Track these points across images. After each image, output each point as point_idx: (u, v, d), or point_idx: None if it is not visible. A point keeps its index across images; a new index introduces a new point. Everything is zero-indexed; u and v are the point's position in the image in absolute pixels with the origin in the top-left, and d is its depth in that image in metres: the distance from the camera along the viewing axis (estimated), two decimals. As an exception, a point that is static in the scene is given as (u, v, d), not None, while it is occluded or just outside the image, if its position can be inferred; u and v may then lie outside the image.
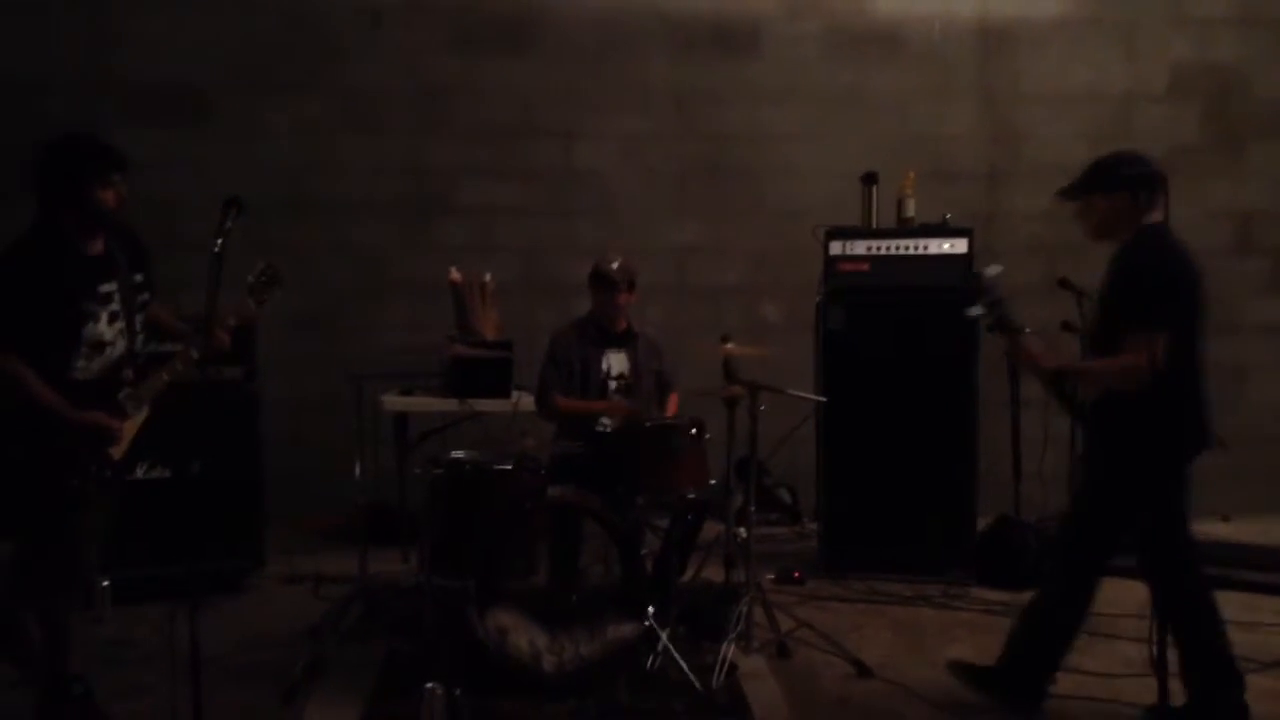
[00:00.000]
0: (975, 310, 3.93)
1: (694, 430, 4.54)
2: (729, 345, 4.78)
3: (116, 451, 3.72)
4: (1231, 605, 5.23)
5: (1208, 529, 6.63)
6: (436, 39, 7.24)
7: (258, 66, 7.12)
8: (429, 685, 3.72)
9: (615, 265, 4.99)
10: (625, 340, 5.05)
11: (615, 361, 5.02)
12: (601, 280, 4.99)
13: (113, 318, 3.70)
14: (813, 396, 5.41)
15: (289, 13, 7.12)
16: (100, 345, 3.66)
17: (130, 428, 3.77)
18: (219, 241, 3.20)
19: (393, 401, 5.68)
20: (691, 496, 4.50)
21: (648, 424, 4.54)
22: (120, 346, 3.73)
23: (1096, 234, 3.97)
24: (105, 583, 4.95)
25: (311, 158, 7.15)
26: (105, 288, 3.68)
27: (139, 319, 3.81)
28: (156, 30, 7.03)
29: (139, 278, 3.83)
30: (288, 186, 6.98)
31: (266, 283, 4.00)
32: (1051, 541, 5.86)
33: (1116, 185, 3.87)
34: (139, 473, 5.15)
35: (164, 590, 4.82)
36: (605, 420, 4.73)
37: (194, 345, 3.79)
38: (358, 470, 5.00)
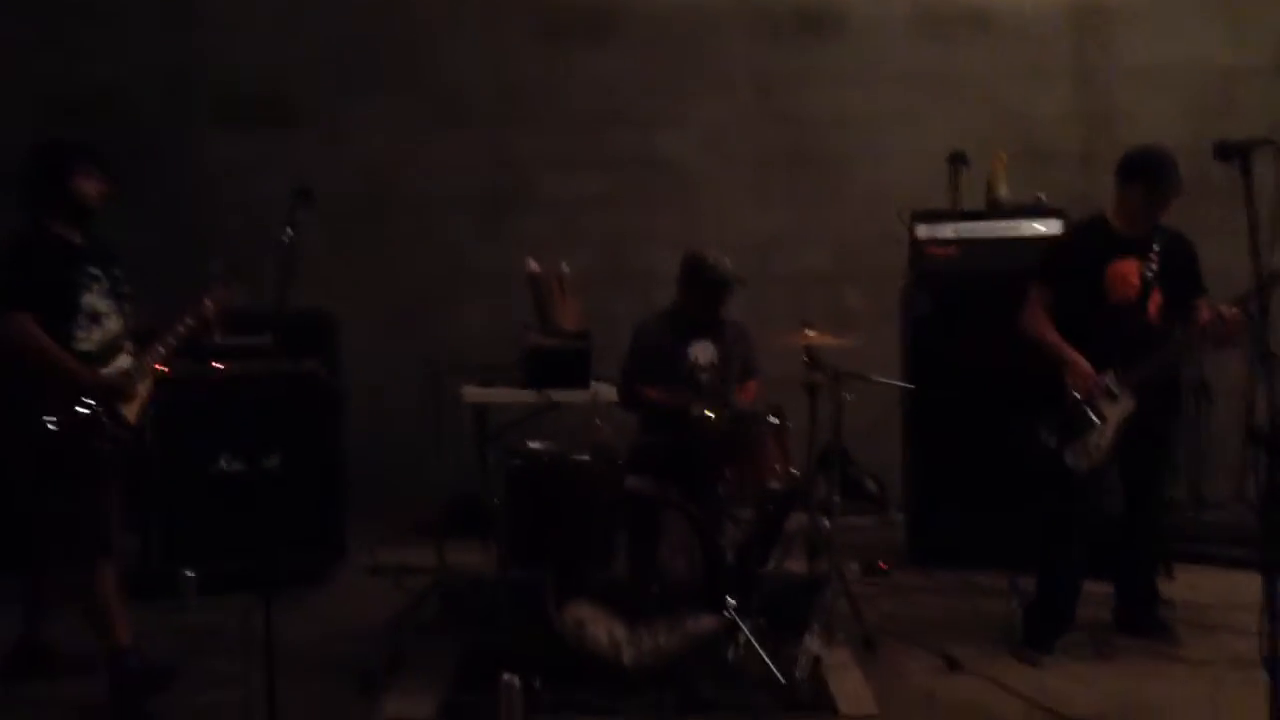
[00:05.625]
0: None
1: (775, 419, 4.43)
2: (810, 332, 4.66)
3: (130, 413, 3.92)
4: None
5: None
6: (519, 31, 7.23)
7: (341, 65, 7.19)
8: (506, 676, 3.69)
9: (730, 268, 4.76)
10: (712, 329, 4.89)
11: (701, 351, 4.85)
12: (715, 283, 4.76)
13: (104, 295, 3.94)
14: (896, 383, 5.26)
15: (370, 8, 7.16)
16: (96, 316, 3.90)
17: (141, 392, 3.97)
18: (289, 231, 3.21)
19: (472, 393, 5.67)
20: (774, 487, 4.39)
21: (730, 415, 4.42)
22: (116, 321, 3.96)
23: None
24: (191, 574, 5.02)
25: (395, 154, 7.20)
26: (91, 269, 3.92)
27: (127, 305, 4.04)
28: (239, 32, 7.15)
29: (118, 272, 4.06)
30: (372, 184, 7.05)
31: (231, 274, 4.24)
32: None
33: None
34: (222, 465, 5.22)
35: (250, 582, 4.90)
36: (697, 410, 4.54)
37: (180, 322, 4.05)
38: (441, 463, 5.00)
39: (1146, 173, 4.31)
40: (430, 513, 6.14)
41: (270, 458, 5.26)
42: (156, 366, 4.04)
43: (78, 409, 3.76)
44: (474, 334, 6.77)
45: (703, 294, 4.77)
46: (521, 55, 7.25)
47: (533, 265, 5.79)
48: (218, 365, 5.06)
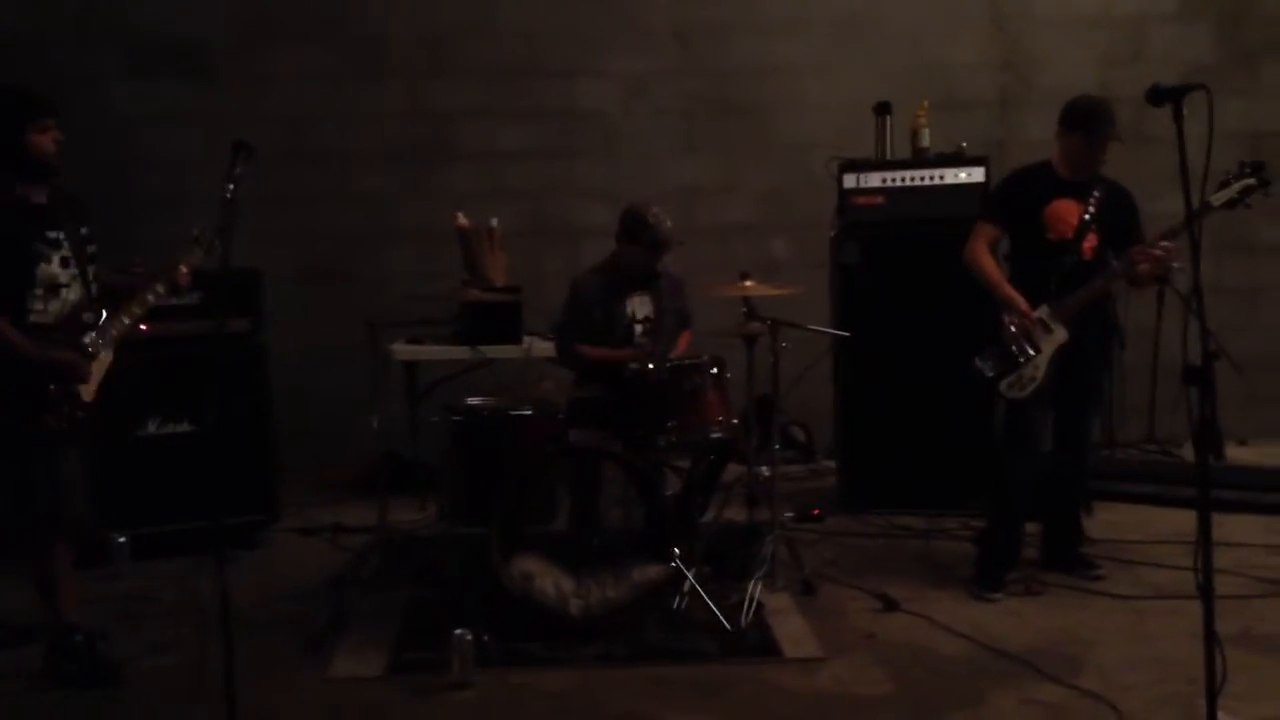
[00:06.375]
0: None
1: (715, 369, 4.47)
2: (748, 283, 4.70)
3: (86, 392, 3.75)
4: (1254, 528, 5.28)
5: (1226, 453, 6.62)
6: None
7: (260, 15, 6.99)
8: (457, 631, 3.70)
9: (670, 227, 4.71)
10: (648, 282, 4.88)
11: (638, 305, 4.84)
12: (655, 242, 4.72)
13: (64, 262, 3.74)
14: (835, 331, 5.35)
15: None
16: (55, 287, 3.71)
17: (98, 369, 3.79)
18: (230, 187, 3.13)
19: (403, 350, 5.62)
20: (715, 436, 4.44)
21: (667, 364, 4.45)
22: (76, 290, 3.77)
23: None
24: (123, 539, 4.91)
25: (314, 106, 7.04)
26: (52, 234, 3.72)
27: (91, 269, 3.84)
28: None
29: (84, 230, 3.86)
30: (291, 135, 6.88)
31: (213, 237, 3.93)
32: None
33: None
34: (151, 428, 5.10)
35: (181, 545, 4.86)
36: (634, 364, 4.56)
37: (150, 289, 3.87)
38: (375, 421, 4.95)
39: (1084, 122, 4.44)
40: (360, 471, 6.11)
41: (198, 420, 5.15)
42: (120, 337, 3.85)
43: (25, 386, 3.62)
44: (401, 289, 6.67)
45: (642, 251, 4.76)
46: (441, 4, 7.11)
47: (461, 219, 5.74)
48: (143, 326, 4.93)
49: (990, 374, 4.51)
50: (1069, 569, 4.72)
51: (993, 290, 4.54)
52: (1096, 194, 4.47)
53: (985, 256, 4.62)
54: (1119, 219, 4.51)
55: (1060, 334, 4.40)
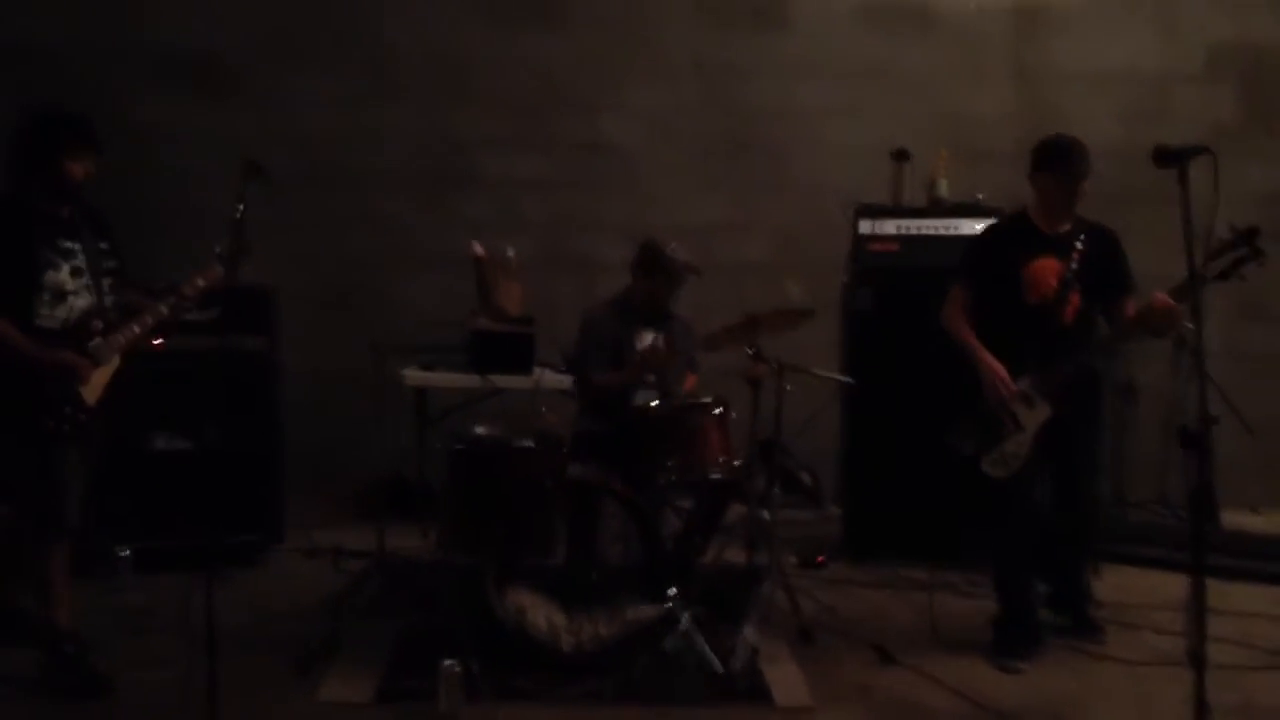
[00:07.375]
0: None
1: (719, 410, 4.46)
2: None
3: (89, 395, 3.81)
4: (1261, 598, 5.21)
5: (1237, 520, 6.54)
6: (464, 11, 7.15)
7: (283, 36, 7.06)
8: (446, 662, 3.68)
9: (686, 259, 4.74)
10: (659, 320, 4.89)
11: (649, 342, 4.82)
12: (669, 273, 4.74)
13: (76, 272, 3.83)
14: (840, 377, 5.32)
15: (315, -19, 7.06)
16: (62, 294, 3.79)
17: (102, 374, 3.86)
18: (240, 207, 3.15)
19: (413, 376, 5.64)
20: (715, 477, 4.42)
21: (674, 404, 4.44)
22: (85, 299, 3.85)
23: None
24: (126, 552, 4.93)
25: (335, 128, 7.08)
26: (66, 244, 3.82)
27: (106, 281, 3.92)
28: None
29: (104, 245, 3.95)
30: (311, 157, 6.91)
31: (237, 252, 3.94)
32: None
33: None
34: (159, 444, 5.12)
35: (186, 561, 4.85)
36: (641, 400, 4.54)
37: (164, 303, 3.92)
38: (381, 444, 4.95)
39: (1053, 159, 4.29)
40: (366, 494, 6.10)
41: (207, 436, 5.16)
42: (128, 345, 3.90)
43: (24, 386, 3.68)
44: (414, 314, 6.69)
45: (658, 283, 4.76)
46: (464, 33, 7.16)
47: (477, 248, 5.76)
48: (157, 341, 4.96)
49: (970, 451, 4.34)
50: (1072, 631, 4.63)
51: (973, 358, 4.34)
52: (1079, 247, 4.26)
53: (962, 323, 4.43)
54: (1103, 269, 4.30)
55: (1044, 410, 4.21)
